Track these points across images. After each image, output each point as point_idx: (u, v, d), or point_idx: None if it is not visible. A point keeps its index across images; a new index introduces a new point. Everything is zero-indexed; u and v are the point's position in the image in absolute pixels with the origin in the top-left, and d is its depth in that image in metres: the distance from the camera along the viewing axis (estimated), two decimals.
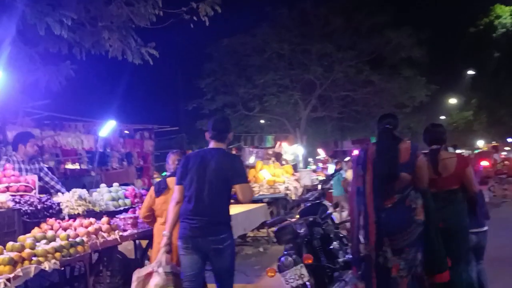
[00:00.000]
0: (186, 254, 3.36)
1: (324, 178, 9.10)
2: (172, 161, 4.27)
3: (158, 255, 3.50)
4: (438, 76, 21.26)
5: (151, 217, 4.17)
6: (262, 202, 8.22)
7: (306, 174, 10.76)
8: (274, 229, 4.48)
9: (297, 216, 4.41)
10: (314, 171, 14.52)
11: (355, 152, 6.93)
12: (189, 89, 22.36)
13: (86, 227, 3.80)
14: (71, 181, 7.71)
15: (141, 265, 4.53)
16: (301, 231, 4.18)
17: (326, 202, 4.69)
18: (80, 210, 4.19)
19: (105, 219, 4.08)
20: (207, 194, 3.33)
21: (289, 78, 18.40)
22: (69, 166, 9.73)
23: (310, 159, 23.73)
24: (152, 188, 4.27)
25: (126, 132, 10.13)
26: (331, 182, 9.30)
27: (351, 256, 3.96)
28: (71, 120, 8.38)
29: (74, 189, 4.41)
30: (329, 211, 4.61)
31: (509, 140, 29.36)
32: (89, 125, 8.89)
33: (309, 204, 4.49)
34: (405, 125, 24.06)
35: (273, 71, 17.65)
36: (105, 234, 3.90)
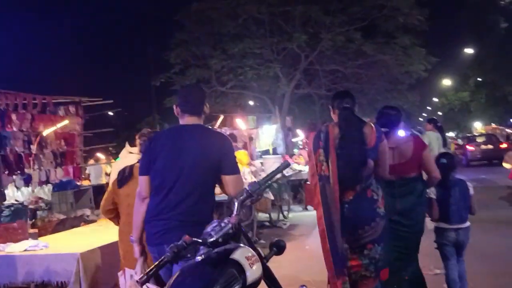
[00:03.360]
0: None
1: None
2: (138, 142, 3.64)
3: (136, 267, 2.83)
4: (437, 50, 18.97)
5: (114, 212, 3.56)
6: None
7: (274, 163, 7.68)
8: None
9: None
10: (291, 156, 12.09)
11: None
12: (158, 63, 20.04)
13: None
14: None
15: None
16: None
17: (245, 249, 1.70)
18: None
19: None
20: (181, 185, 2.57)
21: (269, 48, 15.91)
22: None
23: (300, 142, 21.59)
24: (115, 177, 3.67)
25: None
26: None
27: None
28: None
29: None
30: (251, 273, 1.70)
31: None
32: None
33: (191, 265, 1.72)
34: (398, 106, 21.89)
35: (250, 39, 15.11)
36: None
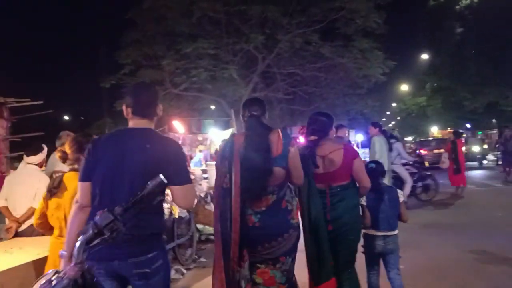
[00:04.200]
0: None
1: None
2: (69, 146, 3.25)
3: None
4: (395, 55, 18.94)
5: (47, 225, 3.23)
6: None
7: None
8: None
9: None
10: None
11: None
12: (110, 64, 19.04)
13: None
14: None
15: None
16: None
17: None
18: None
19: None
20: (125, 195, 2.14)
21: (225, 49, 15.34)
22: None
23: None
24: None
25: None
26: None
27: None
28: None
29: None
30: None
31: (468, 126, 27.63)
32: None
33: None
34: (358, 111, 21.84)
35: (204, 39, 14.48)
36: None
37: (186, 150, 13.51)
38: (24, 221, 4.45)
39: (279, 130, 3.11)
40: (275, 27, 15.08)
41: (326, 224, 3.33)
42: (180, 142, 13.32)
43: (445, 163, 11.93)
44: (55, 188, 3.24)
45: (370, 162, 4.00)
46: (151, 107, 2.52)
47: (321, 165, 3.43)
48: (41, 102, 7.32)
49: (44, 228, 3.34)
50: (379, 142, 8.05)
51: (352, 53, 15.58)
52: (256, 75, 16.64)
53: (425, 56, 26.72)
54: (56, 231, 3.18)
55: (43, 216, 3.27)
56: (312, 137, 3.54)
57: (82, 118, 34.76)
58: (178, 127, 9.21)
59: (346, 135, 8.32)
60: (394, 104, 46.43)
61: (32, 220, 4.27)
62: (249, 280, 2.94)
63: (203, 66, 14.95)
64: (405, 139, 43.76)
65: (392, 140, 9.86)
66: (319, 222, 3.25)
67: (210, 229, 7.37)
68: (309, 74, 16.79)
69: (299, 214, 3.16)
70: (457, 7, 20.94)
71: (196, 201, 5.79)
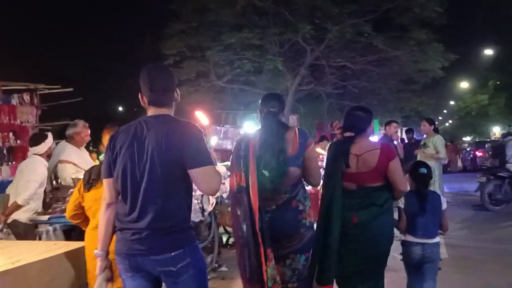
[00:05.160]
0: (127, 279, 2.32)
1: None
2: (106, 139, 3.04)
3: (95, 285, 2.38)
4: (454, 49, 17.48)
5: (82, 216, 3.27)
6: None
7: None
8: None
9: None
10: None
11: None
12: (157, 55, 18.94)
13: None
14: None
15: None
16: None
17: None
18: None
19: None
20: (147, 188, 2.25)
21: (271, 39, 14.69)
22: None
23: None
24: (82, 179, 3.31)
25: None
26: None
27: None
28: None
29: None
30: None
31: None
32: None
33: None
34: (412, 108, 20.57)
35: (249, 29, 13.90)
36: None
37: (228, 143, 13.04)
38: (8, 214, 4.41)
39: (295, 128, 3.04)
40: (325, 17, 14.23)
41: (350, 227, 3.10)
42: (221, 135, 12.90)
43: None
44: (94, 180, 3.17)
45: (421, 166, 3.72)
46: (167, 95, 2.42)
47: (354, 164, 3.16)
48: (71, 89, 7.09)
49: (78, 219, 3.33)
50: (442, 140, 7.26)
51: (408, 45, 14.45)
52: (304, 67, 15.89)
53: (488, 51, 24.88)
54: (93, 222, 3.11)
55: (80, 207, 3.25)
56: (348, 133, 3.28)
57: (135, 109, 35.17)
58: (202, 118, 8.58)
59: (396, 132, 7.52)
60: (452, 102, 44.00)
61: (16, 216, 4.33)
62: (276, 280, 2.79)
63: (247, 57, 14.41)
64: (463, 139, 41.39)
65: (509, 137, 9.61)
66: (334, 223, 3.04)
67: None
68: (360, 67, 15.89)
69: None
70: None
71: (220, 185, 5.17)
